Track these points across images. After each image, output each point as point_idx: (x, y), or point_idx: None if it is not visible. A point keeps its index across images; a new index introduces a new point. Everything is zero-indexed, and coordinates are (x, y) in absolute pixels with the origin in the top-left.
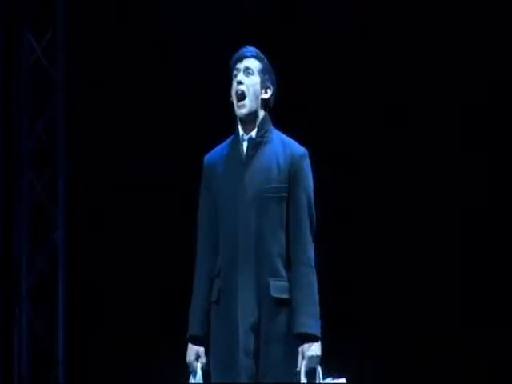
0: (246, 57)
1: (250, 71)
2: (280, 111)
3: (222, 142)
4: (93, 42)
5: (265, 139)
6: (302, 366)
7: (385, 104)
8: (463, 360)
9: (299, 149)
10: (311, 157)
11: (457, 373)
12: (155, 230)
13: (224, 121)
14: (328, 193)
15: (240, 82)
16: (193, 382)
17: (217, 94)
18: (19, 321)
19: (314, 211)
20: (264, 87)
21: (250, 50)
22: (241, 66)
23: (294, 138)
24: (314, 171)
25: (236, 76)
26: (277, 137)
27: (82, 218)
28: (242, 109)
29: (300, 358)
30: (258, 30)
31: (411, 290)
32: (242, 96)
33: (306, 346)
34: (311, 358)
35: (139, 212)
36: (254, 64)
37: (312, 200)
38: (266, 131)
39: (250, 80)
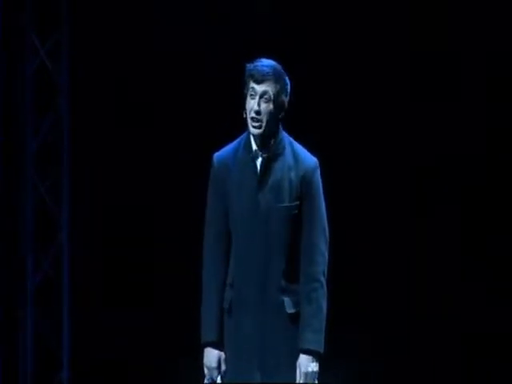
0: (264, 79)
1: (267, 97)
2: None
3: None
4: (97, 44)
5: (278, 151)
6: (301, 381)
7: (393, 107)
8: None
9: (310, 160)
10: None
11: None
12: (161, 231)
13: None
14: (335, 198)
15: (258, 112)
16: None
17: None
18: (24, 322)
19: (326, 223)
20: (281, 109)
21: (268, 67)
22: (258, 88)
23: (300, 142)
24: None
25: (252, 97)
26: (288, 146)
27: (87, 219)
28: (257, 130)
29: (298, 372)
30: (266, 32)
31: (412, 290)
32: (258, 121)
33: (303, 361)
34: (307, 373)
35: (144, 212)
36: (271, 88)
37: (324, 212)
38: (279, 143)
39: (267, 106)
